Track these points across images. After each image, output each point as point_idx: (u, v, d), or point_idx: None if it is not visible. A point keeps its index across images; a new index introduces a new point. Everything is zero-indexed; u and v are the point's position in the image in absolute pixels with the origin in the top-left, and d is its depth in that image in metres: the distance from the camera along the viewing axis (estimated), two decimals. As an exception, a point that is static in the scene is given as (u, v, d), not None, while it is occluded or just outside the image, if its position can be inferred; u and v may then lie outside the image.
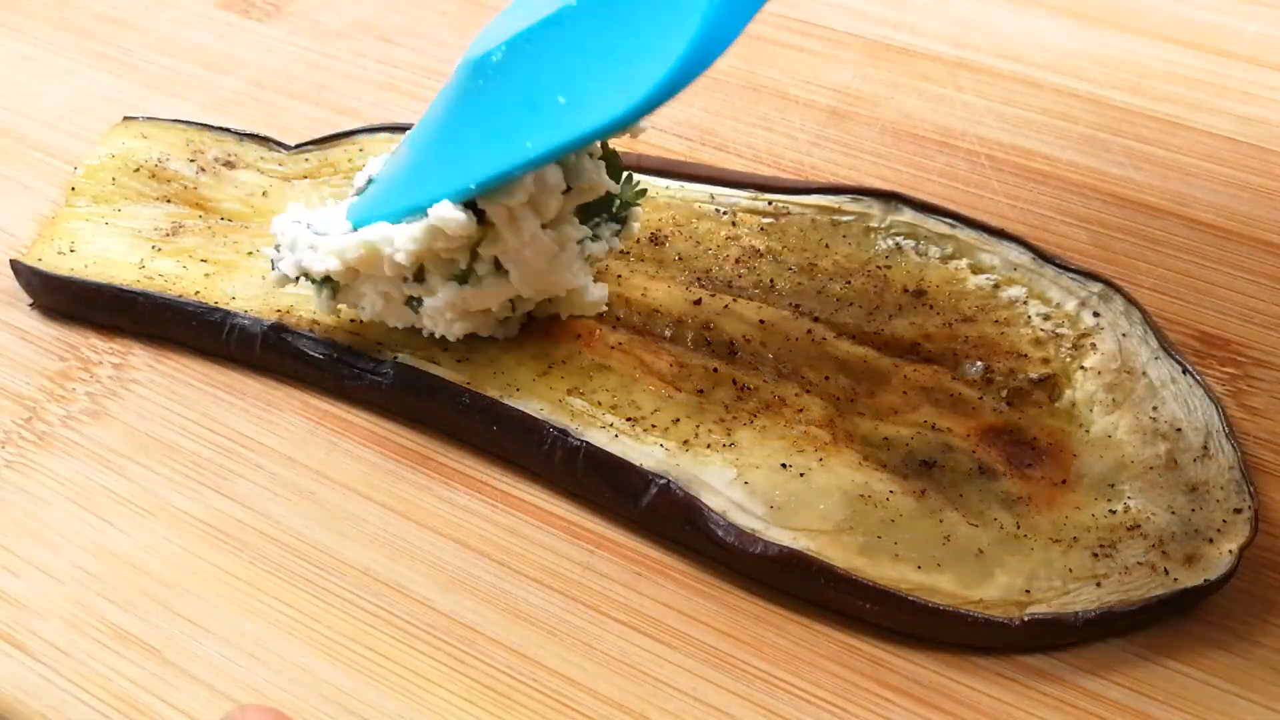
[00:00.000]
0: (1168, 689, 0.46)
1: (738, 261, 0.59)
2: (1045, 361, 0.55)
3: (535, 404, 0.53)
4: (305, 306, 0.58)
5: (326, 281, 0.54)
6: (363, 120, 0.71)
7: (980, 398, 0.54)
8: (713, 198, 0.62)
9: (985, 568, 0.48)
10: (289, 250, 0.54)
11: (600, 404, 0.53)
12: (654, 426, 0.52)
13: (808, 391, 0.54)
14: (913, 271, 0.59)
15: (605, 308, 0.56)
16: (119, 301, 0.58)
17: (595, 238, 0.54)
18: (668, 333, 0.57)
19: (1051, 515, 0.50)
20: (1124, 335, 0.55)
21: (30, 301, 0.61)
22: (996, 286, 0.58)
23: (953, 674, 0.47)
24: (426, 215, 0.50)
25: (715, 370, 0.54)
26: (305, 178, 0.65)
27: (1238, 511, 0.49)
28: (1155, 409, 0.52)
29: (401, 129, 0.65)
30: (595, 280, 0.56)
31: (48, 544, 0.51)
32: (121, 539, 0.51)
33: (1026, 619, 0.46)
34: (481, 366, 0.55)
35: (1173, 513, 0.49)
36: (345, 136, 0.65)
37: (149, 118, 0.67)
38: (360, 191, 0.56)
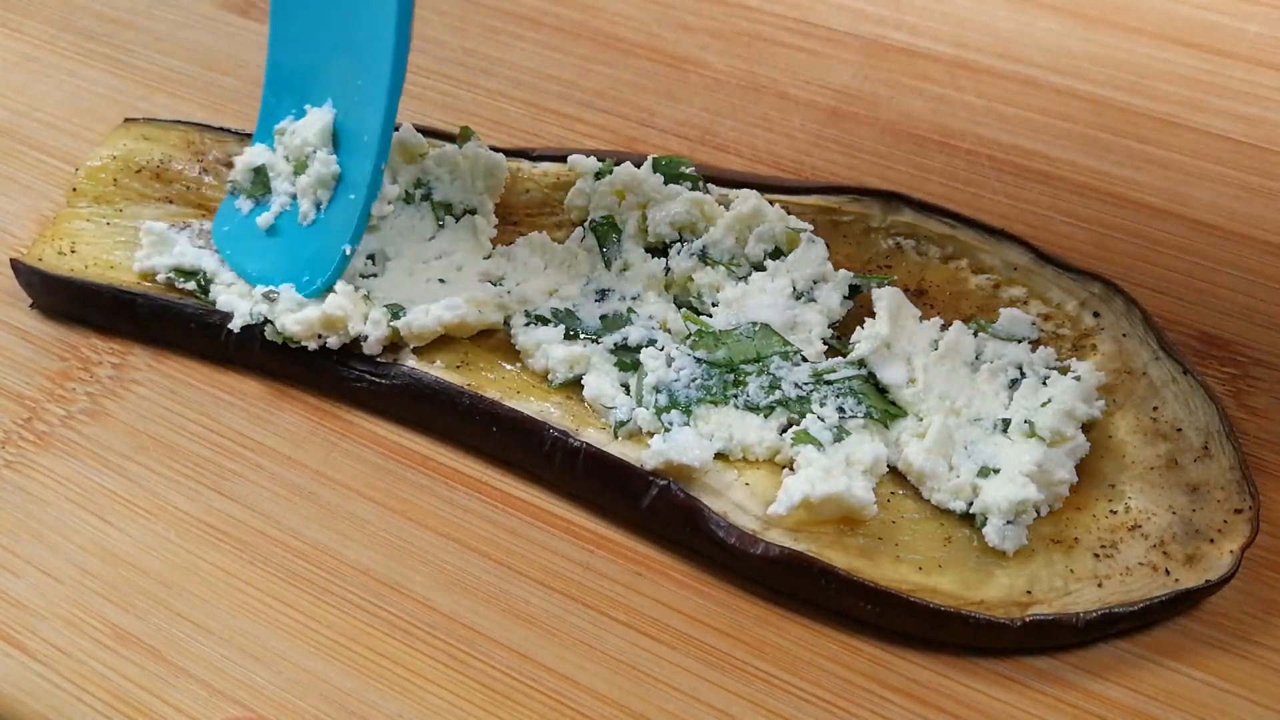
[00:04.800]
0: (1169, 689, 0.46)
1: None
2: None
3: (535, 405, 0.53)
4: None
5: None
6: (363, 120, 0.71)
7: (980, 398, 0.54)
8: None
9: (986, 569, 0.48)
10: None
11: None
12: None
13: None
14: (913, 271, 0.59)
15: None
16: (119, 302, 0.58)
17: None
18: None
19: (1052, 516, 0.50)
20: (1124, 335, 0.55)
21: (30, 302, 0.61)
22: (996, 286, 0.58)
23: (953, 674, 0.47)
24: None
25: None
26: (305, 178, 0.65)
27: (1238, 511, 0.49)
28: (1155, 409, 0.52)
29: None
30: None
31: (48, 544, 0.51)
32: (121, 539, 0.51)
33: (1028, 620, 0.46)
34: (481, 369, 0.55)
35: (1173, 513, 0.49)
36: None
37: (150, 119, 0.67)
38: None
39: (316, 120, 0.58)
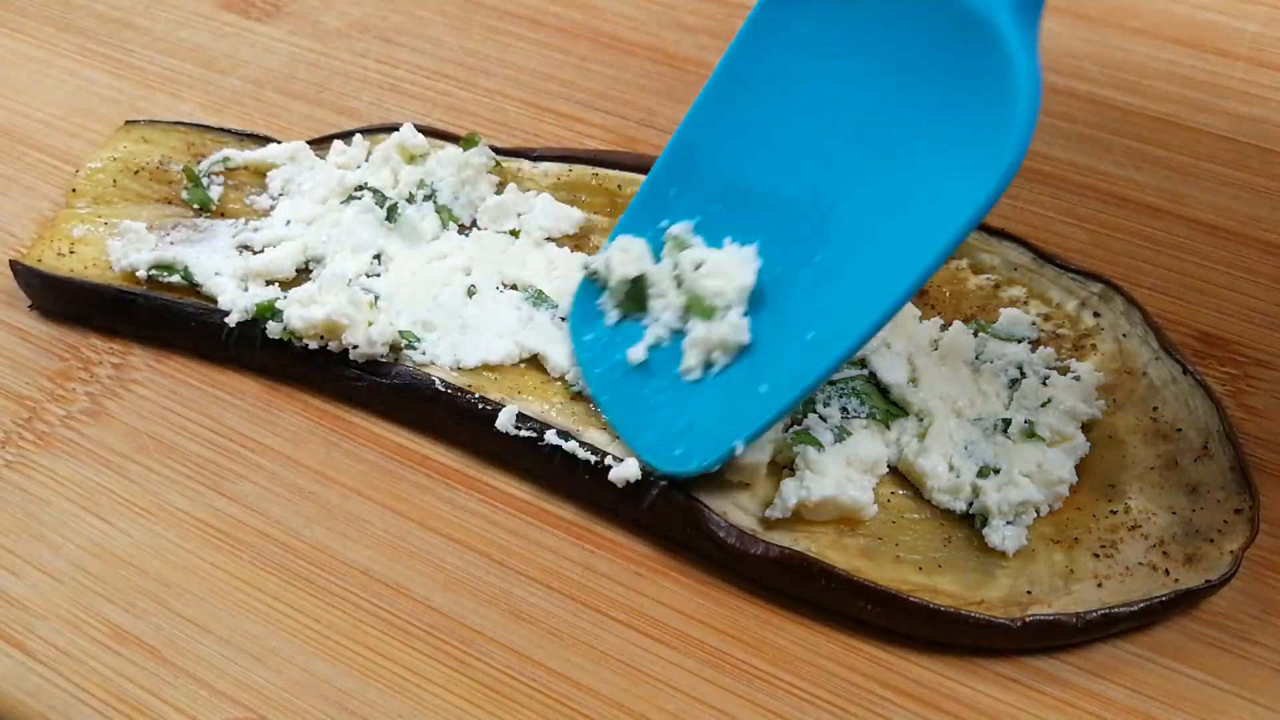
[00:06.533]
0: (1169, 689, 0.46)
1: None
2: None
3: (535, 405, 0.53)
4: (305, 306, 0.58)
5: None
6: (363, 120, 0.71)
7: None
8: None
9: (987, 569, 0.48)
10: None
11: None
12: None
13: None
14: (913, 272, 0.59)
15: None
16: (119, 302, 0.58)
17: None
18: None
19: (1052, 516, 0.50)
20: (1124, 335, 0.55)
21: (30, 302, 0.61)
22: (997, 286, 0.58)
23: (954, 675, 0.47)
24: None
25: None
26: (305, 178, 0.65)
27: (1238, 511, 0.49)
28: (1155, 409, 0.52)
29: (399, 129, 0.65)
30: None
31: (48, 544, 0.51)
32: (121, 539, 0.51)
33: (1028, 620, 0.46)
34: (481, 371, 0.55)
35: (1173, 513, 0.49)
36: (345, 136, 0.65)
37: (150, 121, 0.67)
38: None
39: (738, 270, 0.48)
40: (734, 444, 0.46)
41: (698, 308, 0.48)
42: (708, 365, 0.49)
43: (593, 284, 0.53)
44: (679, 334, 0.50)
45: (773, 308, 0.47)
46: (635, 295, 0.51)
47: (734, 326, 0.48)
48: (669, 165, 0.52)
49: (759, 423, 0.46)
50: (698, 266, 0.50)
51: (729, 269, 0.48)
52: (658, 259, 0.52)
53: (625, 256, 0.51)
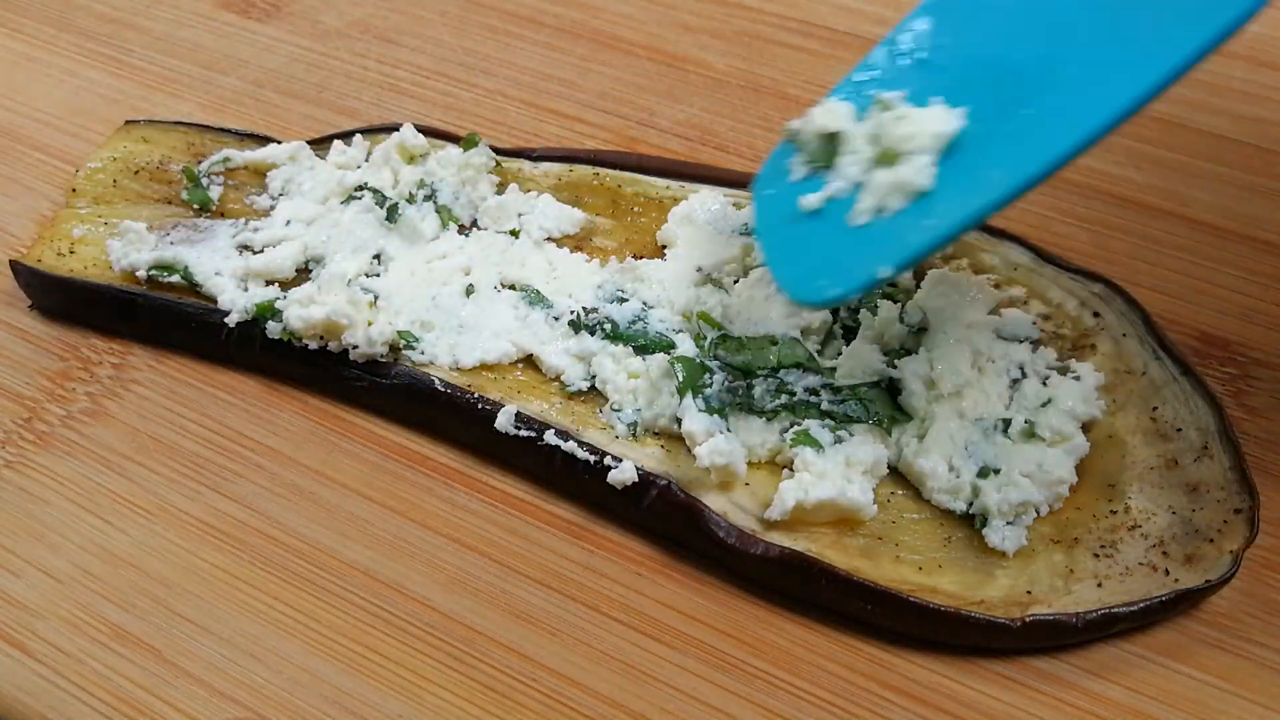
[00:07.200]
0: (1168, 689, 0.46)
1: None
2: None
3: (535, 405, 0.53)
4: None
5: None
6: (362, 120, 0.71)
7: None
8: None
9: (987, 569, 0.48)
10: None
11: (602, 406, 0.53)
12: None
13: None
14: (914, 271, 0.59)
15: None
16: (119, 302, 0.58)
17: None
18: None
19: (1052, 516, 0.50)
20: (1124, 335, 0.55)
21: (30, 302, 0.61)
22: (997, 286, 0.58)
23: (953, 674, 0.47)
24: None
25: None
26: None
27: (1238, 511, 0.49)
28: (1155, 409, 0.52)
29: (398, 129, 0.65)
30: None
31: (48, 544, 0.51)
32: (121, 539, 0.51)
33: (1028, 620, 0.46)
34: (480, 371, 0.55)
35: (1173, 513, 0.49)
36: (345, 136, 0.65)
37: (150, 121, 0.67)
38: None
39: (938, 121, 0.46)
40: (878, 270, 0.45)
41: (886, 156, 0.47)
42: (879, 211, 0.47)
43: (790, 146, 0.51)
44: (858, 188, 0.48)
45: (963, 161, 0.46)
46: (826, 150, 0.49)
47: (918, 169, 0.46)
48: (890, 42, 0.51)
49: (913, 249, 0.45)
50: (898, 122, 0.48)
51: (928, 120, 0.47)
52: (860, 119, 0.50)
53: (827, 112, 0.50)
